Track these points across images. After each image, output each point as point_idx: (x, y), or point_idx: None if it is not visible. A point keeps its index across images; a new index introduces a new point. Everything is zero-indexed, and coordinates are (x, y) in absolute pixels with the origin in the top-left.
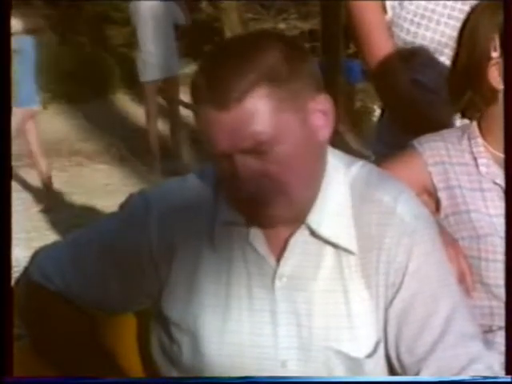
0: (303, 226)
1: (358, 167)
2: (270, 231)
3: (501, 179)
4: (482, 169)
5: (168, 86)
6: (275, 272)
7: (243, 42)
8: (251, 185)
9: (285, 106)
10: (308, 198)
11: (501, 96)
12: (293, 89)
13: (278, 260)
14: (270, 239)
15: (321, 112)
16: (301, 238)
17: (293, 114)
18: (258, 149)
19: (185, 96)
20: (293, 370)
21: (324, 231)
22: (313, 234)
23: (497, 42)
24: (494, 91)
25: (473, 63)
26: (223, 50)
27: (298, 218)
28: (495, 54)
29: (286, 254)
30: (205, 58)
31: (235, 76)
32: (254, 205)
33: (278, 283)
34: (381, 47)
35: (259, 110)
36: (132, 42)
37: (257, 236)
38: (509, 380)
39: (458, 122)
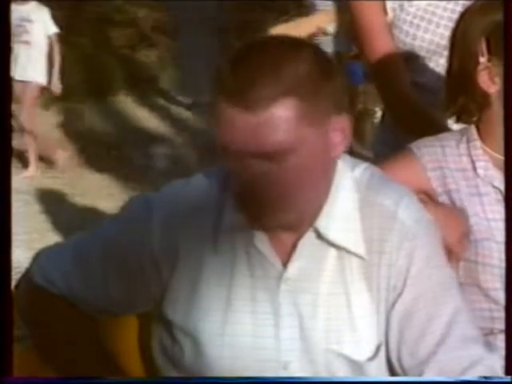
0: (311, 230)
1: (362, 170)
2: (274, 235)
3: (499, 182)
4: (480, 172)
5: None
6: (281, 275)
7: (277, 47)
8: (257, 188)
9: (309, 120)
10: (315, 205)
11: (494, 99)
12: (319, 104)
13: (285, 263)
14: (274, 243)
15: (339, 130)
16: (308, 241)
17: (314, 129)
18: (274, 156)
19: (186, 98)
20: (294, 372)
21: (333, 235)
22: (320, 237)
23: (484, 47)
24: (486, 96)
25: (463, 69)
26: (256, 51)
27: (304, 223)
28: (483, 59)
29: (294, 258)
30: (235, 54)
31: (267, 81)
32: (258, 208)
33: (283, 286)
34: (382, 48)
35: (284, 120)
36: (134, 44)
37: (262, 239)
38: (509, 380)
39: (455, 126)
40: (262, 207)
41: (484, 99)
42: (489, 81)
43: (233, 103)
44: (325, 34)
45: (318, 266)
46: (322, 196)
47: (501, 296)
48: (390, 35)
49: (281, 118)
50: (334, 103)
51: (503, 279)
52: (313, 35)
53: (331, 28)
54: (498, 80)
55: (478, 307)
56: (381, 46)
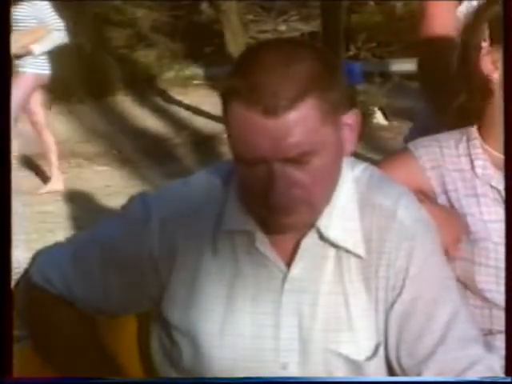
0: (313, 230)
1: (361, 170)
2: (276, 236)
3: (497, 182)
4: (478, 171)
5: None
6: (285, 276)
7: (283, 48)
8: (283, 193)
9: (327, 118)
10: (324, 205)
11: (496, 87)
12: (334, 101)
13: (288, 264)
14: (276, 244)
15: (349, 126)
16: (311, 241)
17: (332, 127)
18: (300, 159)
19: (186, 97)
20: (293, 373)
21: (332, 234)
22: (321, 237)
23: (486, 33)
24: (489, 83)
25: (466, 55)
26: (264, 54)
27: (309, 224)
28: (485, 44)
29: (297, 258)
30: (242, 60)
31: (285, 83)
32: (276, 212)
33: (287, 286)
34: (443, 24)
35: (306, 120)
36: (133, 44)
37: (263, 241)
38: (509, 380)
39: None
40: (280, 211)
41: (486, 87)
42: (491, 65)
43: (251, 108)
44: (30, 54)
45: (319, 266)
46: (330, 196)
47: (496, 297)
48: (455, 15)
49: (303, 119)
50: (342, 99)
51: (499, 280)
52: (18, 56)
53: (37, 48)
54: (500, 65)
55: (478, 305)
56: (443, 20)
